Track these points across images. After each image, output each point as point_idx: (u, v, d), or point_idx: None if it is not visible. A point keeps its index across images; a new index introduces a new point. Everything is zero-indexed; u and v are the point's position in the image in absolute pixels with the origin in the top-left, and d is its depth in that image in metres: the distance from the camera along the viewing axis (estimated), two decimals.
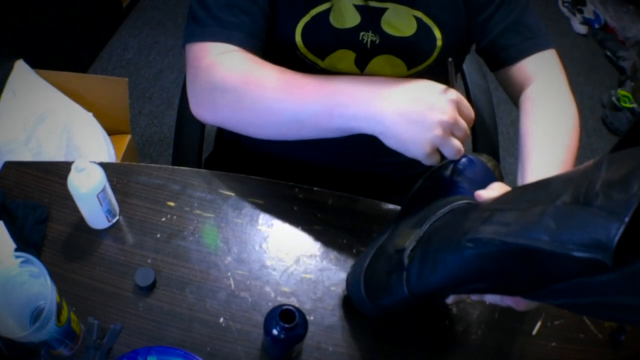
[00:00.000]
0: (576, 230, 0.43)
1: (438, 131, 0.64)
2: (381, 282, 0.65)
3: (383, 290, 0.65)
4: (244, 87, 0.70)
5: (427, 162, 0.67)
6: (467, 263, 0.53)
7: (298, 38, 0.80)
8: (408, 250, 0.63)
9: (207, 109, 0.76)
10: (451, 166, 0.72)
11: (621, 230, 0.40)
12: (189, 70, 0.76)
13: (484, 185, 0.65)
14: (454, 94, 0.66)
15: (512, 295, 0.58)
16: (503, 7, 0.83)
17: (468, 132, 0.67)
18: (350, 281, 0.72)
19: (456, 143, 0.65)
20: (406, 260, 0.62)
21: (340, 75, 0.71)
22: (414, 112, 0.64)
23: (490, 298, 0.63)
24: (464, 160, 0.72)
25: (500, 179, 0.72)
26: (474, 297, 0.65)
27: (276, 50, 0.83)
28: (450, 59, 0.65)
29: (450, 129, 0.65)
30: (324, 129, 0.69)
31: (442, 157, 0.69)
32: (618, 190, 0.42)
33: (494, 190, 0.63)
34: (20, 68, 1.40)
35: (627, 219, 0.39)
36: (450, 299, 0.67)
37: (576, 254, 0.42)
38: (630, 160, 0.44)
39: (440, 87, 0.67)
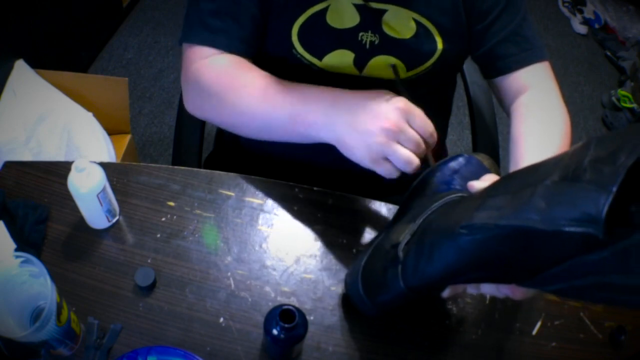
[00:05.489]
0: (566, 206, 0.43)
1: (380, 138, 0.64)
2: (378, 278, 0.66)
3: (380, 286, 0.65)
4: (224, 92, 0.76)
5: (379, 171, 0.67)
6: (463, 251, 0.53)
7: (294, 38, 0.80)
8: (402, 244, 0.63)
9: (196, 108, 0.82)
10: (438, 167, 0.72)
11: (609, 200, 0.39)
12: (182, 70, 0.82)
13: None
14: (400, 103, 0.65)
15: (508, 283, 0.58)
16: (502, 17, 0.83)
17: (422, 145, 0.66)
18: (349, 280, 0.72)
19: (403, 152, 0.64)
20: (401, 254, 0.63)
21: (309, 85, 0.73)
22: (359, 121, 0.66)
23: (487, 289, 0.62)
24: (460, 159, 0.72)
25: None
26: (470, 289, 0.64)
27: (273, 50, 0.83)
28: (392, 64, 0.65)
29: (394, 137, 0.64)
30: (290, 134, 0.73)
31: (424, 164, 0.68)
32: (606, 164, 0.42)
33: (487, 181, 0.63)
34: (20, 68, 1.40)
35: (614, 189, 0.39)
36: (446, 292, 0.65)
37: (567, 229, 0.42)
38: (617, 138, 0.44)
39: (389, 95, 0.67)
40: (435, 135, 0.67)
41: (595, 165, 0.43)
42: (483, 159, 0.73)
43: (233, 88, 0.75)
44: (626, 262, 0.41)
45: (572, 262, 0.45)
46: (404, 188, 0.76)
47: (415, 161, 0.65)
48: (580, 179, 0.43)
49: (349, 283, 0.72)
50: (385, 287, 0.64)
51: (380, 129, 0.64)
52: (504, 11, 0.83)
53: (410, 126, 0.65)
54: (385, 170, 0.67)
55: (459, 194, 0.65)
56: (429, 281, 0.59)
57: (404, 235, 0.65)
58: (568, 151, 0.49)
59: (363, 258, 0.70)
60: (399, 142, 0.65)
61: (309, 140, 0.72)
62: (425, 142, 0.67)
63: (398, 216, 0.72)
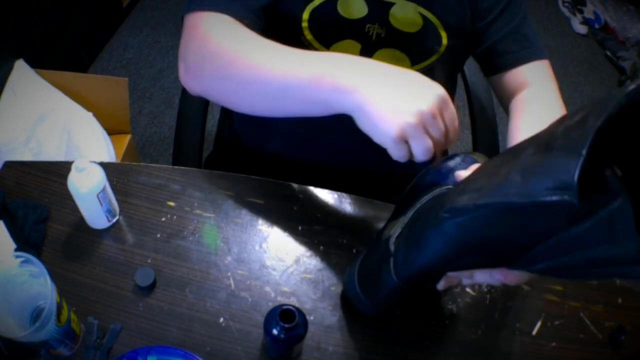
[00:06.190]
0: (540, 176, 0.42)
1: (412, 119, 0.59)
2: (373, 275, 0.66)
3: (375, 282, 0.65)
4: (233, 55, 0.68)
5: (393, 151, 0.61)
6: (448, 236, 0.53)
7: (305, 24, 0.80)
8: (393, 237, 0.64)
9: (194, 76, 0.74)
10: (435, 167, 0.72)
11: (580, 163, 0.38)
12: (184, 37, 0.75)
13: None
14: (442, 90, 0.62)
15: (497, 266, 0.57)
16: (503, 16, 0.85)
17: (444, 139, 0.62)
18: (347, 280, 0.72)
19: (426, 140, 0.60)
20: (392, 248, 0.63)
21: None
22: (399, 97, 0.60)
23: (480, 277, 0.61)
24: (457, 158, 0.72)
25: None
26: (465, 281, 0.63)
27: (282, 35, 0.82)
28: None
29: (425, 122, 0.60)
30: (308, 100, 0.65)
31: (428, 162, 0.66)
32: (576, 130, 0.41)
33: (473, 170, 0.63)
34: (20, 68, 1.40)
35: (584, 152, 0.38)
36: (441, 284, 0.64)
37: (543, 199, 0.41)
38: (588, 106, 0.43)
39: (434, 82, 0.63)
40: (458, 133, 0.63)
41: (566, 132, 0.42)
42: (479, 157, 0.74)
43: (246, 52, 0.68)
44: (612, 229, 0.40)
45: (556, 238, 0.44)
46: (404, 188, 0.76)
47: (432, 153, 0.61)
48: (552, 148, 0.42)
49: (346, 283, 0.72)
50: (380, 283, 0.64)
51: (418, 111, 0.59)
52: (505, 10, 0.84)
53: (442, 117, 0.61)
54: (399, 152, 0.61)
55: (447, 187, 0.65)
56: (420, 271, 0.59)
57: (394, 229, 0.65)
58: (546, 127, 0.48)
59: (360, 257, 0.71)
60: (427, 129, 0.60)
61: (325, 108, 0.64)
62: (447, 137, 0.62)
63: (393, 215, 0.72)
